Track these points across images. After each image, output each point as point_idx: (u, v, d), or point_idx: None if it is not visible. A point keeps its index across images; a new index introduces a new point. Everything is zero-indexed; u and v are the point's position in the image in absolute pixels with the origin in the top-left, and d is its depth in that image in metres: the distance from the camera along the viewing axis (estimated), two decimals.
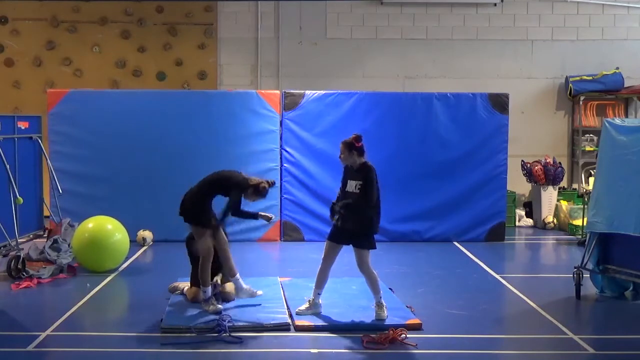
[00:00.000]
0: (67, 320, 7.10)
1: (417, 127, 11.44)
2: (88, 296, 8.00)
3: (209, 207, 7.35)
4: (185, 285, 7.73)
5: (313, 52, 13.82)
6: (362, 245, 6.91)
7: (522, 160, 13.15)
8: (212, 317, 6.92)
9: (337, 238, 7.01)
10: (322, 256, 7.10)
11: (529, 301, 7.87)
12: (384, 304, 6.99)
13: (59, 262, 9.12)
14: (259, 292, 7.51)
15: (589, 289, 8.19)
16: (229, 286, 7.58)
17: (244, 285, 7.43)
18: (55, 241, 9.58)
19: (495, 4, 13.82)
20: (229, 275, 7.44)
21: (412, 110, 11.46)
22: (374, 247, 6.99)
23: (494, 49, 13.88)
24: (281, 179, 11.37)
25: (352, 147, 6.95)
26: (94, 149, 11.17)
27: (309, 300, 7.14)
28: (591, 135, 13.58)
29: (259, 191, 7.21)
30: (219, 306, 7.14)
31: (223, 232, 7.41)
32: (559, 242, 11.77)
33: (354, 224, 6.87)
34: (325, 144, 11.04)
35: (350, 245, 6.96)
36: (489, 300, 8.01)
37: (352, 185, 6.95)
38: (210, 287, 7.25)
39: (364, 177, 6.86)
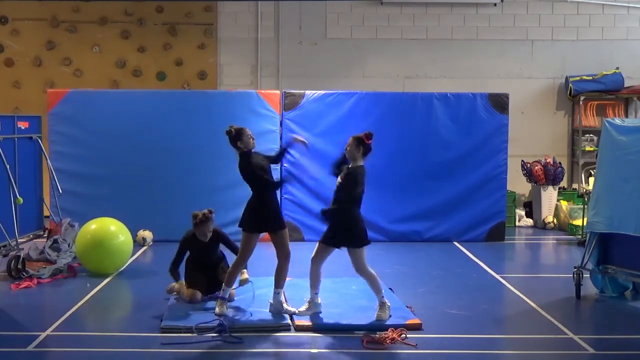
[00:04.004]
0: (67, 320, 7.10)
1: (417, 127, 11.43)
2: (88, 296, 8.00)
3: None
4: (182, 285, 7.71)
5: (313, 52, 13.82)
6: (354, 244, 6.82)
7: (522, 160, 13.16)
8: (212, 317, 6.92)
9: (329, 241, 6.95)
10: (312, 257, 7.05)
11: (529, 301, 7.87)
12: (388, 303, 6.95)
13: (59, 262, 9.13)
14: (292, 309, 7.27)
15: (589, 289, 8.19)
16: None
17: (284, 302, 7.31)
18: (55, 241, 9.58)
19: (495, 4, 13.82)
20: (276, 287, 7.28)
21: (412, 110, 11.46)
22: (366, 244, 6.87)
23: (494, 49, 13.88)
24: (281, 179, 11.36)
25: (361, 142, 6.81)
26: (94, 149, 11.17)
27: (308, 301, 7.13)
28: (591, 135, 13.58)
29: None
30: (226, 311, 7.10)
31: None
32: (559, 242, 11.77)
33: (340, 223, 6.82)
34: (325, 144, 11.00)
35: (344, 248, 6.90)
36: (489, 300, 8.01)
37: (338, 182, 6.90)
38: (229, 289, 7.26)
39: (348, 175, 6.75)
